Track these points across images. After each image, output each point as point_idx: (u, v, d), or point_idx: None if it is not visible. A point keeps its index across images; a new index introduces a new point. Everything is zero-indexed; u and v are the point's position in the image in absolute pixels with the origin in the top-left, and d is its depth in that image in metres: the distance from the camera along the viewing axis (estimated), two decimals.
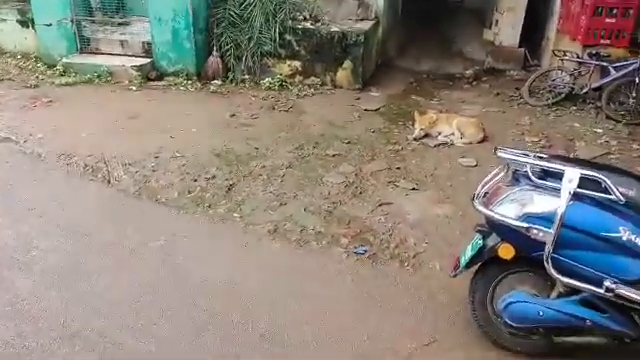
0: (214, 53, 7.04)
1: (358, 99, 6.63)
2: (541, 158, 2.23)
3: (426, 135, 5.18)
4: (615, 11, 5.99)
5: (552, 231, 2.00)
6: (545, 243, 2.03)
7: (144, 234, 3.32)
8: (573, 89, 6.06)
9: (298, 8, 7.31)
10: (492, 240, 2.27)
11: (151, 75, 6.89)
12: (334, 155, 4.74)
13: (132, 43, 7.23)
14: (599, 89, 5.91)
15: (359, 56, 6.95)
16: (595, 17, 6.06)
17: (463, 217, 3.60)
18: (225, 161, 4.51)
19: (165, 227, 3.42)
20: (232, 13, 6.94)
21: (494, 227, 2.24)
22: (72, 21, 7.25)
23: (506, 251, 2.18)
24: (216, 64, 7.06)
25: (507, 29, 8.22)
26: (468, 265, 2.35)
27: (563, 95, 6.10)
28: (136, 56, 7.11)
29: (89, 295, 2.76)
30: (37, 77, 6.94)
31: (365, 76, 7.17)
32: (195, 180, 4.14)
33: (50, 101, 5.95)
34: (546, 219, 2.05)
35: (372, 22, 7.62)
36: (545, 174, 2.16)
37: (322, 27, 7.05)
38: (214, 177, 4.20)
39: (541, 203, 2.10)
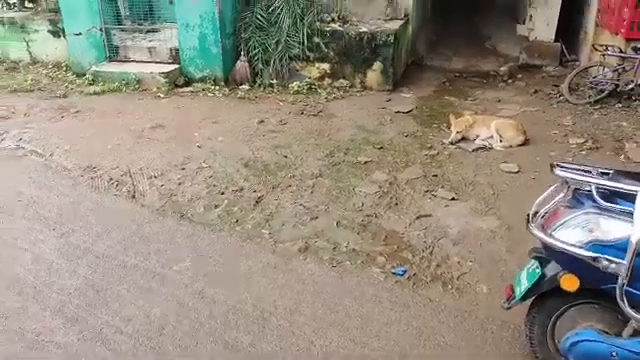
0: (242, 58, 6.91)
1: (389, 101, 6.39)
2: (605, 174, 1.97)
3: (463, 139, 4.91)
4: None
5: (625, 262, 1.74)
6: (616, 275, 1.77)
7: (168, 255, 3.17)
8: (617, 85, 5.68)
9: (325, 9, 7.12)
10: (552, 269, 2.02)
11: (179, 81, 6.80)
12: (366, 162, 4.52)
13: (160, 50, 7.17)
14: None
15: (389, 57, 6.71)
16: (638, 9, 5.66)
17: (509, 231, 3.34)
18: (253, 171, 4.34)
19: (190, 247, 3.26)
20: (259, 17, 6.80)
21: (554, 255, 1.99)
22: (101, 30, 7.23)
23: (570, 283, 1.92)
24: (244, 69, 6.92)
25: (542, 24, 7.85)
26: (524, 297, 2.09)
27: (607, 92, 5.72)
28: (164, 63, 7.04)
29: (107, 328, 2.59)
30: (66, 86, 6.95)
31: (396, 77, 6.92)
32: (222, 193, 3.98)
33: (77, 111, 5.91)
34: (617, 248, 1.78)
35: (401, 21, 7.35)
36: (612, 194, 1.90)
37: (351, 28, 6.83)
38: (242, 189, 4.03)
39: (610, 229, 1.84)
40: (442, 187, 4.00)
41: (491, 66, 8.06)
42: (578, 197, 1.98)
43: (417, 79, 7.44)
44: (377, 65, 6.77)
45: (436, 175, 4.22)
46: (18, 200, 3.85)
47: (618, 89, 5.69)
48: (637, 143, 4.65)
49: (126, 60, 7.41)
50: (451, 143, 4.85)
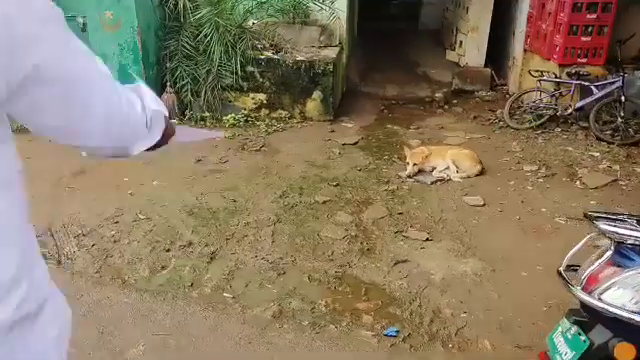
0: (168, 89, 6.34)
1: (332, 132, 6.11)
2: None
3: (419, 171, 4.70)
4: (590, 29, 5.80)
5: None
6: None
7: (114, 341, 2.58)
8: (556, 110, 5.79)
9: (257, 37, 6.77)
10: (600, 336, 1.75)
11: None
12: (324, 202, 4.16)
13: None
14: (582, 109, 5.68)
15: (329, 86, 6.45)
16: (571, 36, 5.85)
17: (495, 274, 3.10)
18: (200, 220, 3.83)
19: (142, 324, 2.70)
20: (186, 45, 6.29)
21: (602, 319, 1.73)
22: None
23: (625, 352, 1.66)
24: (171, 101, 6.34)
25: (472, 50, 7.99)
26: None
27: (546, 117, 5.83)
28: None
29: None
30: None
31: (335, 106, 6.68)
32: (168, 250, 3.43)
33: None
34: None
35: (337, 48, 7.16)
36: None
37: (287, 56, 6.51)
38: (191, 244, 3.50)
39: None
40: (411, 226, 3.72)
41: (425, 92, 8.07)
42: (624, 252, 1.74)
43: (355, 107, 7.25)
44: (317, 94, 6.49)
45: (401, 213, 3.94)
46: None
47: (557, 113, 5.80)
48: (587, 168, 4.69)
49: None
50: (408, 176, 4.62)
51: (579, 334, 1.80)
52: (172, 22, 6.40)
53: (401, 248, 3.43)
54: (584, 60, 5.91)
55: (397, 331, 2.63)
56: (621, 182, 4.42)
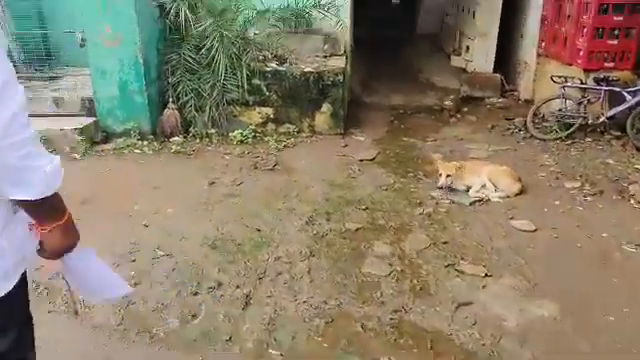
0: (170, 105, 5.94)
1: (345, 146, 5.79)
2: None
3: (451, 189, 4.39)
4: (617, 32, 5.56)
5: None
6: None
7: None
8: (586, 119, 5.54)
9: (260, 48, 6.40)
10: None
11: (96, 137, 5.67)
12: (357, 229, 3.82)
13: (69, 100, 5.96)
14: (614, 117, 5.43)
15: (339, 97, 6.13)
16: (596, 39, 5.60)
17: (575, 318, 2.77)
18: (225, 255, 3.45)
19: None
20: (189, 59, 5.91)
21: None
22: None
23: None
24: (173, 118, 5.95)
25: (481, 55, 7.75)
26: None
27: (576, 126, 5.56)
28: (75, 115, 5.84)
29: None
30: None
31: (344, 118, 6.34)
32: (195, 293, 3.05)
33: None
34: None
35: (343, 57, 6.84)
36: None
37: (293, 68, 6.16)
38: (220, 285, 3.13)
39: None
40: (462, 259, 3.38)
41: (433, 100, 7.80)
42: None
43: (363, 119, 6.94)
44: (326, 107, 6.15)
45: (446, 242, 3.61)
46: None
47: (588, 123, 5.55)
48: (637, 183, 4.40)
49: None
50: (440, 187, 4.32)
51: None
52: (173, 35, 6.01)
53: (459, 286, 3.09)
54: (611, 64, 5.67)
55: None
56: None
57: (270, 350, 2.60)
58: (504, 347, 2.58)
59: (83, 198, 4.23)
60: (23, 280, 1.45)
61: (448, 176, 4.35)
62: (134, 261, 3.39)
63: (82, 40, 5.69)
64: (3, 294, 1.35)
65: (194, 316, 2.87)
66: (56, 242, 1.41)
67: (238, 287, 3.11)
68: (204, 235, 3.69)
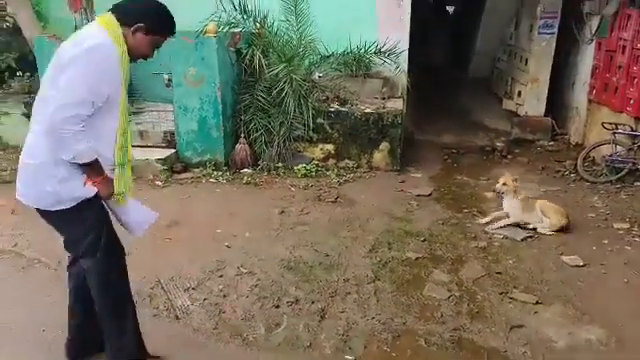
0: (241, 140, 6.56)
1: (402, 182, 6.20)
2: None
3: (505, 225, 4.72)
4: None
5: None
6: None
7: None
8: (636, 164, 5.77)
9: (324, 90, 6.98)
10: None
11: (176, 167, 6.32)
12: (417, 258, 4.20)
13: (153, 133, 6.69)
14: None
15: (397, 137, 6.59)
16: None
17: (621, 344, 3.05)
18: (300, 275, 3.90)
19: None
20: (260, 99, 6.54)
21: None
22: None
23: None
24: (244, 152, 6.56)
25: (532, 99, 8.08)
26: None
27: (626, 171, 5.80)
28: (157, 147, 6.55)
29: None
30: None
31: (400, 156, 6.78)
32: (277, 307, 3.50)
33: None
34: None
35: (400, 100, 7.33)
36: None
37: (354, 109, 6.69)
38: (297, 300, 3.57)
39: None
40: (515, 288, 3.71)
41: (484, 141, 8.14)
42: None
43: (418, 157, 7.35)
44: (384, 145, 6.62)
45: (500, 272, 3.94)
46: (42, 330, 3.19)
47: (638, 168, 5.78)
48: None
49: None
50: (495, 191, 4.86)
51: None
52: (247, 77, 6.67)
53: (512, 311, 3.42)
54: None
55: None
56: None
57: (346, 356, 3.00)
58: None
59: (169, 221, 4.80)
60: (77, 210, 2.42)
61: (504, 184, 4.75)
62: (221, 277, 3.88)
63: (168, 81, 6.44)
64: (58, 209, 2.39)
65: (277, 325, 3.31)
66: (102, 189, 2.44)
67: (313, 302, 3.54)
68: (279, 257, 4.16)
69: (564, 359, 2.94)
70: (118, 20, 2.33)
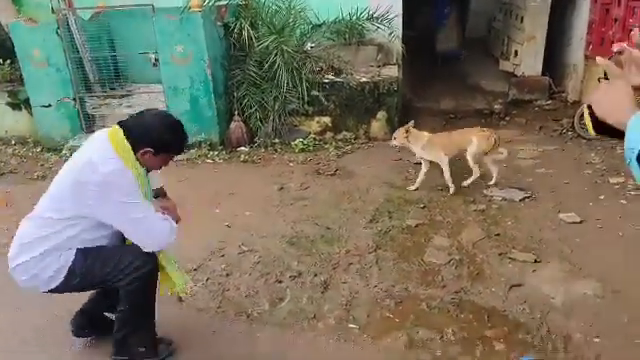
0: (235, 118, 6.52)
1: (399, 151, 6.14)
2: None
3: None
4: None
5: None
6: None
7: None
8: None
9: (317, 60, 6.90)
10: None
11: None
12: (417, 225, 4.22)
13: None
14: None
15: (394, 105, 6.55)
16: None
17: (617, 295, 3.10)
18: (302, 250, 3.93)
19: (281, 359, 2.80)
20: (252, 74, 6.47)
21: None
22: (74, 99, 6.67)
23: None
24: (239, 129, 6.53)
25: (529, 59, 7.95)
26: None
27: None
28: None
29: None
30: (42, 166, 6.27)
31: (398, 124, 6.74)
32: (280, 282, 3.54)
33: None
34: None
35: (395, 66, 7.25)
36: None
37: (350, 78, 6.62)
38: (300, 274, 3.60)
39: None
40: (514, 248, 3.74)
41: (482, 104, 8.08)
42: None
43: (416, 124, 7.16)
44: (381, 114, 6.59)
45: (499, 234, 3.96)
46: (33, 323, 3.24)
47: None
48: None
49: None
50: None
51: None
52: (237, 52, 6.59)
53: (511, 271, 3.45)
54: None
55: None
56: None
57: (350, 325, 3.04)
58: (551, 319, 2.94)
59: None
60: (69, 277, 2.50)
61: (394, 138, 4.95)
62: (223, 256, 3.91)
63: (155, 60, 6.37)
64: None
65: (281, 299, 3.35)
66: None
67: (316, 275, 3.58)
68: (281, 233, 4.19)
69: (562, 314, 2.98)
70: (127, 138, 2.41)
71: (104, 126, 6.78)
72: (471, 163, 4.78)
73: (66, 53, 6.43)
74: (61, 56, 6.43)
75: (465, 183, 4.88)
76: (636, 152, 1.25)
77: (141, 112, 2.58)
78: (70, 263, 2.43)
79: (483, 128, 5.01)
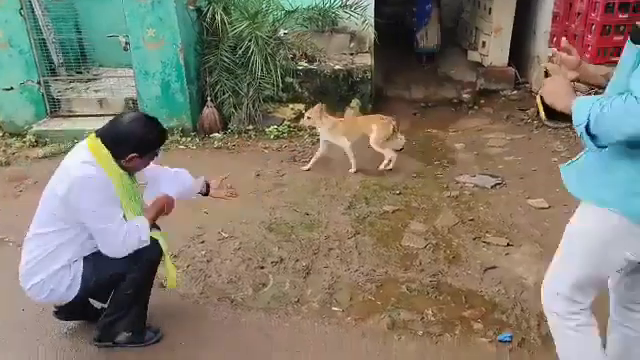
0: (208, 104, 6.45)
1: None
2: None
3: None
4: (622, 28, 5.97)
5: None
6: None
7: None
8: None
9: (290, 47, 6.89)
10: None
11: None
12: (393, 211, 4.32)
13: (113, 101, 6.53)
14: None
15: (367, 93, 6.64)
16: (603, 36, 6.02)
17: None
18: (282, 236, 3.97)
19: (267, 343, 2.84)
20: (226, 59, 6.41)
21: None
22: (39, 82, 6.46)
23: None
24: (212, 115, 6.46)
25: (496, 50, 8.15)
26: None
27: None
28: None
29: None
30: (5, 151, 6.06)
31: (371, 112, 6.83)
32: (262, 267, 3.57)
33: (36, 182, 5.14)
34: None
35: (368, 54, 7.32)
36: None
37: (324, 66, 6.65)
38: (282, 260, 3.65)
39: None
40: (487, 232, 3.89)
41: (451, 93, 8.24)
42: None
43: (387, 112, 7.30)
44: (354, 102, 6.66)
45: (472, 219, 4.11)
46: (22, 310, 3.18)
47: None
48: None
49: (71, 115, 6.68)
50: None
51: None
52: (210, 37, 6.50)
53: (485, 255, 3.59)
54: (616, 59, 6.06)
55: (511, 336, 2.80)
56: None
57: (333, 308, 3.12)
58: (525, 299, 3.10)
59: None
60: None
61: (308, 118, 5.18)
62: (203, 242, 3.91)
63: (125, 44, 6.22)
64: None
65: (264, 285, 3.39)
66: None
67: (297, 260, 3.63)
68: (260, 219, 4.21)
69: (534, 293, 3.13)
70: (108, 149, 2.43)
71: (70, 110, 6.70)
72: (376, 148, 5.09)
73: (30, 34, 6.21)
74: (25, 37, 6.21)
75: (381, 167, 5.11)
76: (582, 126, 1.64)
77: (115, 120, 2.59)
78: (81, 270, 2.52)
79: (383, 116, 5.36)
